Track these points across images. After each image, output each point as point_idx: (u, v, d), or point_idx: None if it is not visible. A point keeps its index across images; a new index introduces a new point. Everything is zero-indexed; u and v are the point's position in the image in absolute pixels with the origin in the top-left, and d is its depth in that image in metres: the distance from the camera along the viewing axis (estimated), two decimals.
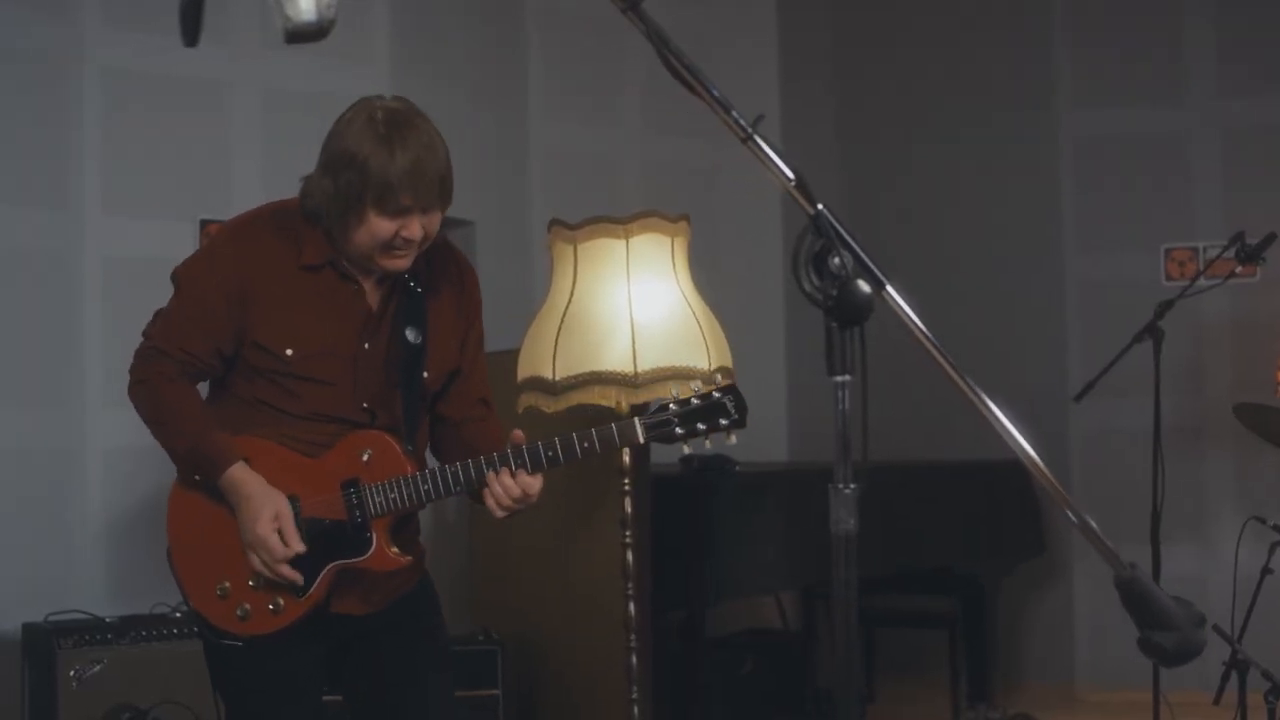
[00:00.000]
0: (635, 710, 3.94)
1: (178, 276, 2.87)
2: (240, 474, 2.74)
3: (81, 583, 4.56)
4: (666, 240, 3.97)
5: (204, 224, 4.82)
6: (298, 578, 2.72)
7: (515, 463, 2.71)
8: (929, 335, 1.92)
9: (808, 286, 1.88)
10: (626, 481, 3.98)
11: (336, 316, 2.79)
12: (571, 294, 3.95)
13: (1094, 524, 1.99)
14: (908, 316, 1.92)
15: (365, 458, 2.76)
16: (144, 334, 2.88)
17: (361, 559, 2.76)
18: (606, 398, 3.86)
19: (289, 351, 2.76)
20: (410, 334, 2.80)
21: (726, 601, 4.73)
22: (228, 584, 2.78)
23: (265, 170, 4.93)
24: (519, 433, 2.77)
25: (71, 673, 4.06)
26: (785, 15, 7.09)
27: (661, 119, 6.48)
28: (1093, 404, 5.18)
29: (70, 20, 4.64)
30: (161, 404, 2.80)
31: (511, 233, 5.95)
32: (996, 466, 5.73)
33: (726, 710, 5.17)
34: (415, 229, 2.71)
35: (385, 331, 2.82)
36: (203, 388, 2.90)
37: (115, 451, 4.66)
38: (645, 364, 3.83)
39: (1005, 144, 6.52)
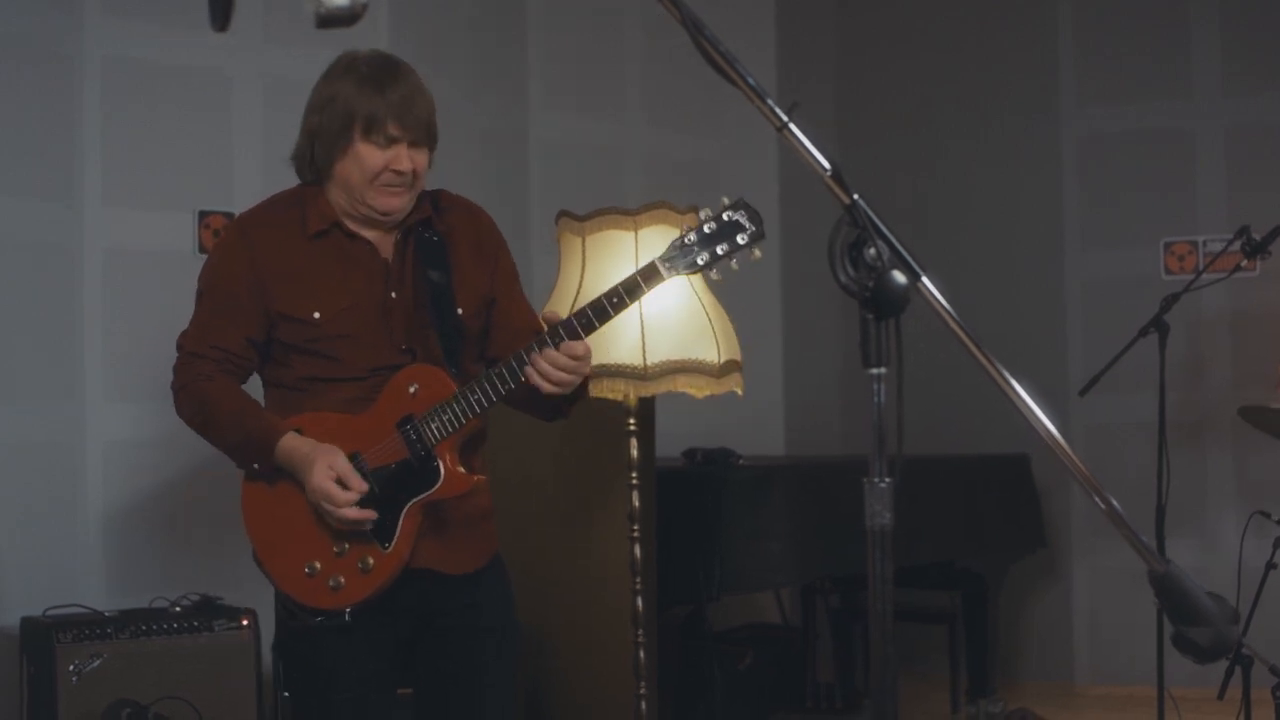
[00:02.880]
0: (643, 705, 3.92)
1: (199, 279, 2.91)
2: (290, 442, 2.75)
3: (81, 577, 4.52)
4: (676, 232, 3.92)
5: (204, 215, 4.78)
6: (369, 515, 2.72)
7: (553, 340, 2.69)
8: (963, 326, 1.91)
9: (843, 278, 1.85)
10: (634, 475, 3.96)
11: (355, 274, 2.82)
12: (580, 285, 3.92)
13: (1119, 508, 1.98)
14: (943, 307, 1.90)
15: (413, 390, 2.76)
16: (177, 345, 2.90)
17: (436, 489, 2.75)
18: (615, 390, 3.83)
19: (316, 314, 2.78)
20: (434, 274, 2.82)
21: (730, 596, 4.71)
22: (317, 563, 2.76)
23: (266, 161, 4.88)
24: (551, 312, 2.79)
25: (71, 667, 4.02)
26: (784, 11, 7.06)
27: (661, 111, 6.46)
28: (1093, 398, 5.17)
29: (70, 9, 4.59)
30: (206, 403, 2.82)
31: (510, 224, 5.89)
32: (997, 460, 5.72)
33: (726, 705, 5.15)
34: (404, 161, 2.76)
35: (409, 278, 2.84)
36: (253, 389, 2.91)
37: (115, 445, 4.63)
38: (654, 357, 3.81)
39: (1008, 141, 6.52)
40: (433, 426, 2.73)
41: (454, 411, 2.72)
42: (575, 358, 2.70)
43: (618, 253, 3.89)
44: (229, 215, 4.79)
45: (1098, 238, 6.34)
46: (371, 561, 2.74)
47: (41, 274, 4.52)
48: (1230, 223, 5.65)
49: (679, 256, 2.68)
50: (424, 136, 2.79)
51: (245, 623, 4.24)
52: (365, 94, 2.73)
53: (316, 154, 2.81)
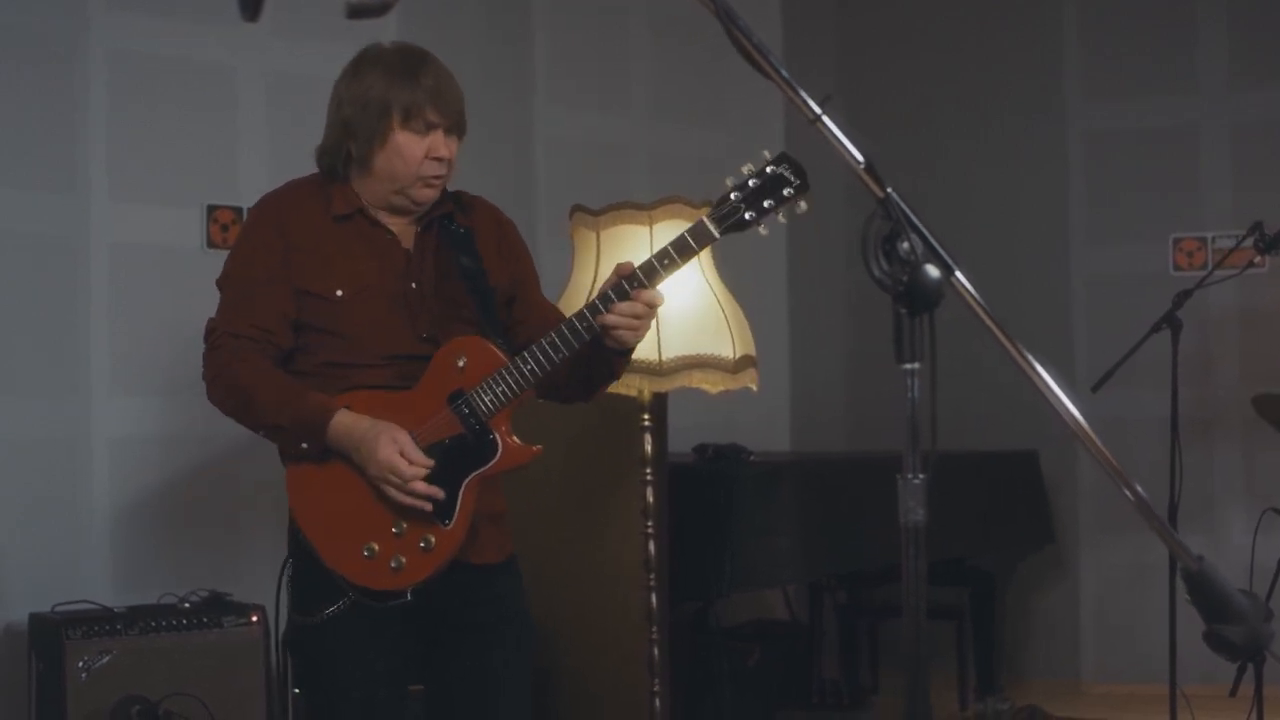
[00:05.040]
0: (656, 702, 3.91)
1: (224, 269, 2.88)
2: (347, 419, 2.70)
3: (88, 573, 4.50)
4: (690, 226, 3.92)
5: (210, 210, 4.77)
6: (437, 492, 2.68)
7: (618, 295, 2.65)
8: (996, 321, 1.90)
9: (877, 272, 1.84)
10: (648, 471, 3.94)
11: (377, 259, 2.81)
12: (594, 280, 3.91)
13: (1146, 495, 1.98)
14: (976, 301, 1.89)
15: (461, 364, 2.73)
16: (205, 334, 2.85)
17: (495, 461, 2.72)
18: (630, 387, 3.82)
19: (339, 292, 2.77)
20: (465, 260, 2.81)
21: (740, 592, 4.69)
22: (375, 545, 2.71)
23: (271, 156, 4.87)
24: (627, 264, 2.71)
25: (80, 664, 4.01)
26: (786, 11, 7.04)
27: (666, 107, 6.44)
28: (1101, 394, 5.17)
29: (75, 4, 4.57)
30: (243, 387, 2.76)
31: (516, 220, 5.87)
32: (1006, 457, 5.70)
33: (733, 701, 5.13)
34: (441, 147, 2.76)
35: (430, 269, 2.83)
36: None
37: (121, 441, 4.61)
38: (670, 352, 3.79)
39: (1012, 139, 6.50)
40: (486, 399, 2.70)
41: (507, 383, 2.69)
42: (641, 303, 2.67)
43: (632, 247, 3.87)
44: (237, 210, 4.78)
45: (1103, 235, 6.33)
46: (433, 540, 2.70)
47: (47, 269, 4.51)
48: (1236, 219, 5.64)
49: (727, 214, 2.64)
50: (457, 123, 2.80)
51: (254, 619, 4.22)
52: (399, 83, 2.73)
53: (352, 148, 2.79)
